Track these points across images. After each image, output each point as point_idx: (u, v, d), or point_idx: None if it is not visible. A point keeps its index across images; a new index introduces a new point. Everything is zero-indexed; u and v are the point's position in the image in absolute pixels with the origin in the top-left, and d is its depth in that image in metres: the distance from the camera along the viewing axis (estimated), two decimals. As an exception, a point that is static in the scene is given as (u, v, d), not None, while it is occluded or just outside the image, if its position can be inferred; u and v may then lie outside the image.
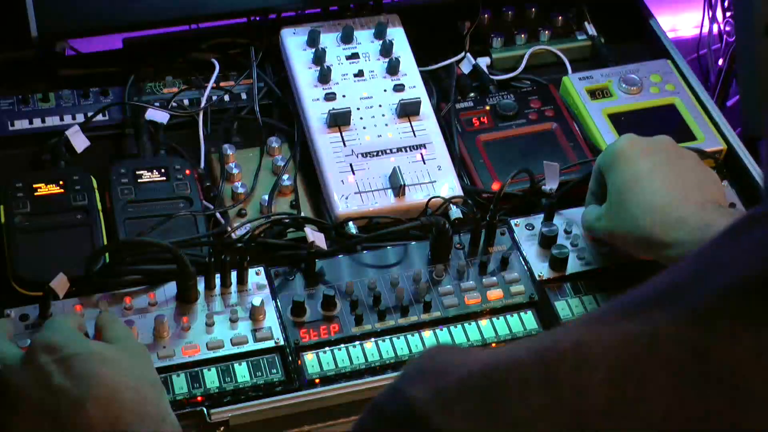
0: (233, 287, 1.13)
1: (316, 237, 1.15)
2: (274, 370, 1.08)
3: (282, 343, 1.09)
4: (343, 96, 1.30)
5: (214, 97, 1.34)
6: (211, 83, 1.34)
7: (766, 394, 0.52)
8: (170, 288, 1.12)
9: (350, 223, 1.19)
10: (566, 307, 1.15)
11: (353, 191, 1.22)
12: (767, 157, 0.58)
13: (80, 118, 1.30)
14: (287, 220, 1.19)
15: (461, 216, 1.20)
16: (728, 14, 1.66)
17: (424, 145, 1.27)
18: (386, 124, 1.28)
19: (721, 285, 0.54)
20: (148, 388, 0.92)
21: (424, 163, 1.25)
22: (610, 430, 0.51)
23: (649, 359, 0.53)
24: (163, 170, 1.22)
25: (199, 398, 1.05)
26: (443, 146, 1.27)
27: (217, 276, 1.13)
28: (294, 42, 1.35)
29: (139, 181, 1.21)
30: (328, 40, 1.35)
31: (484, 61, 1.41)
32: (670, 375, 0.52)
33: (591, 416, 0.52)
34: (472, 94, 1.37)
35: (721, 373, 0.52)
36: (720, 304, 0.53)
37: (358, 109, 1.29)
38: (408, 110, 1.29)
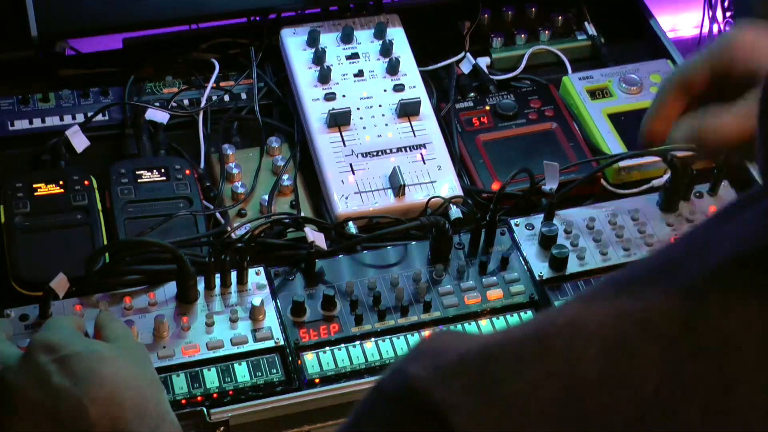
0: (233, 287, 1.13)
1: (316, 237, 1.15)
2: (274, 370, 1.08)
3: (282, 343, 1.09)
4: (343, 96, 1.30)
5: (214, 97, 1.34)
6: (211, 83, 1.34)
7: (758, 362, 0.53)
8: (170, 288, 1.12)
9: (350, 223, 1.19)
10: (566, 307, 1.15)
11: (353, 191, 1.22)
12: (764, 144, 0.58)
13: (80, 118, 1.30)
14: (287, 220, 1.19)
15: (461, 216, 1.21)
16: (728, 14, 1.66)
17: (424, 145, 1.27)
18: (386, 124, 1.28)
19: (712, 261, 0.55)
20: (148, 387, 0.92)
21: (424, 163, 1.25)
22: (603, 402, 0.52)
23: (641, 334, 0.54)
24: (163, 170, 1.22)
25: (199, 398, 1.05)
26: (443, 146, 1.27)
27: (217, 276, 1.13)
28: (294, 42, 1.35)
29: (139, 181, 1.21)
30: (328, 40, 1.35)
31: (484, 61, 1.41)
32: (662, 348, 0.53)
33: (584, 389, 0.53)
34: (472, 94, 1.37)
35: (711, 344, 0.53)
36: (711, 279, 0.55)
37: (358, 109, 1.29)
38: (408, 110, 1.29)
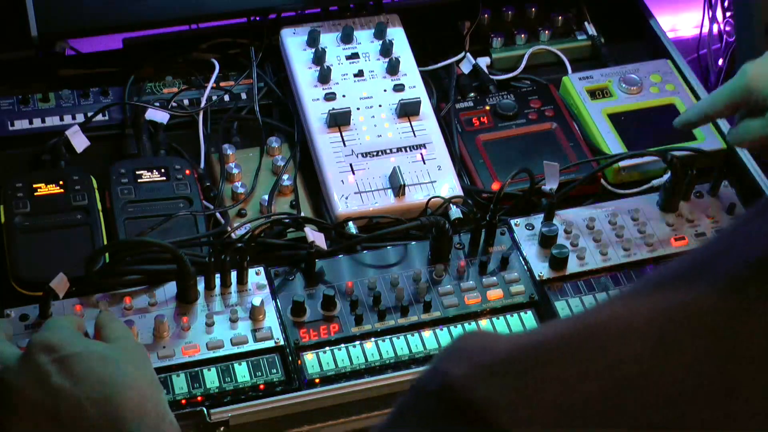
0: (233, 287, 1.13)
1: (316, 237, 1.15)
2: (274, 370, 1.08)
3: (282, 343, 1.09)
4: (343, 96, 1.30)
5: (214, 97, 1.34)
6: (211, 83, 1.34)
7: (759, 367, 0.53)
8: (170, 288, 1.12)
9: (350, 223, 1.19)
10: (566, 307, 1.15)
11: (353, 191, 1.22)
12: None
13: (80, 118, 1.30)
14: (287, 220, 1.19)
15: (461, 216, 1.21)
16: (728, 14, 1.66)
17: (424, 145, 1.27)
18: (386, 124, 1.28)
19: (755, 254, 0.56)
20: (147, 387, 0.92)
21: (424, 163, 1.25)
22: (651, 396, 0.53)
23: (687, 328, 0.54)
24: (163, 170, 1.22)
25: (199, 398, 1.05)
26: (443, 146, 1.27)
27: (217, 276, 1.13)
28: (294, 42, 1.35)
29: (139, 181, 1.21)
30: (328, 40, 1.35)
31: (484, 61, 1.41)
32: (708, 342, 0.54)
33: (632, 382, 0.53)
34: (472, 94, 1.37)
35: (755, 336, 0.54)
36: (754, 272, 0.55)
37: (358, 109, 1.29)
38: (408, 110, 1.29)
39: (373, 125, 1.28)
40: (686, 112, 1.23)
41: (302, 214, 1.22)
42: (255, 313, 1.11)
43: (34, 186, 1.18)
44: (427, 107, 1.30)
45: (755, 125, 1.14)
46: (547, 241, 1.19)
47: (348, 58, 1.34)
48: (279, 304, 1.13)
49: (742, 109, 1.16)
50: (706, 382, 0.53)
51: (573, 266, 1.18)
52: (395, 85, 1.32)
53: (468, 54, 1.41)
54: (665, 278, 0.58)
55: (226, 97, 1.34)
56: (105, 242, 1.15)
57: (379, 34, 1.36)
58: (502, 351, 0.55)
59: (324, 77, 1.31)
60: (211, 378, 1.06)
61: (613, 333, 0.54)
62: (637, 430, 0.52)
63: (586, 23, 1.46)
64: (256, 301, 1.10)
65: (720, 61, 1.70)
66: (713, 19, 1.69)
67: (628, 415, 0.53)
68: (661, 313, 0.55)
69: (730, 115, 1.19)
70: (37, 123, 1.29)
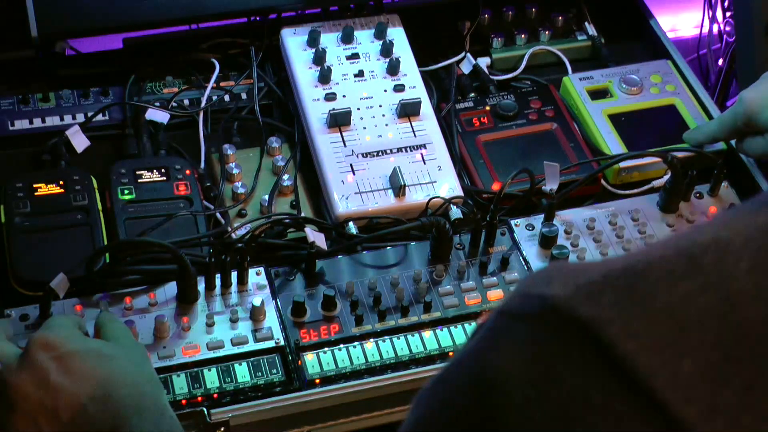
0: (233, 287, 1.13)
1: (316, 237, 1.15)
2: (275, 371, 1.08)
3: (282, 343, 1.09)
4: (344, 96, 1.30)
5: (214, 97, 1.33)
6: (211, 83, 1.34)
7: None
8: (170, 288, 1.12)
9: (350, 223, 1.19)
10: (566, 307, 1.15)
11: (353, 191, 1.22)
12: None
13: (80, 118, 1.30)
14: (287, 220, 1.19)
15: (461, 216, 1.20)
16: (728, 14, 1.66)
17: (424, 145, 1.27)
18: (386, 124, 1.28)
19: None
20: (146, 384, 0.92)
21: (424, 163, 1.25)
22: (763, 312, 0.52)
23: None
24: (163, 170, 1.22)
25: (199, 398, 1.05)
26: (443, 146, 1.27)
27: (218, 276, 1.13)
28: (294, 42, 1.35)
29: (139, 181, 1.21)
30: (329, 40, 1.35)
31: (484, 61, 1.41)
32: None
33: (741, 300, 0.53)
34: (472, 94, 1.37)
35: None
36: None
37: (359, 109, 1.29)
38: (408, 110, 1.29)
39: (374, 125, 1.28)
40: (696, 131, 1.30)
41: (302, 215, 1.22)
42: (255, 314, 1.11)
43: (34, 186, 1.18)
44: (427, 107, 1.30)
45: (758, 143, 1.23)
46: (547, 241, 1.19)
47: (348, 58, 1.34)
48: (279, 304, 1.13)
49: (743, 130, 1.25)
50: None
51: (573, 266, 1.18)
52: (395, 86, 1.32)
53: (468, 54, 1.41)
54: (759, 202, 0.58)
55: (227, 97, 1.34)
56: (105, 242, 1.15)
57: (380, 34, 1.36)
58: (599, 272, 0.54)
59: (324, 77, 1.31)
60: (211, 378, 1.06)
61: (719, 252, 0.54)
62: (747, 343, 0.52)
63: (586, 23, 1.46)
64: (257, 302, 1.10)
65: (720, 61, 1.70)
66: (713, 19, 1.69)
67: (750, 326, 0.52)
68: (761, 231, 0.55)
69: (733, 139, 1.28)
70: (37, 123, 1.29)
